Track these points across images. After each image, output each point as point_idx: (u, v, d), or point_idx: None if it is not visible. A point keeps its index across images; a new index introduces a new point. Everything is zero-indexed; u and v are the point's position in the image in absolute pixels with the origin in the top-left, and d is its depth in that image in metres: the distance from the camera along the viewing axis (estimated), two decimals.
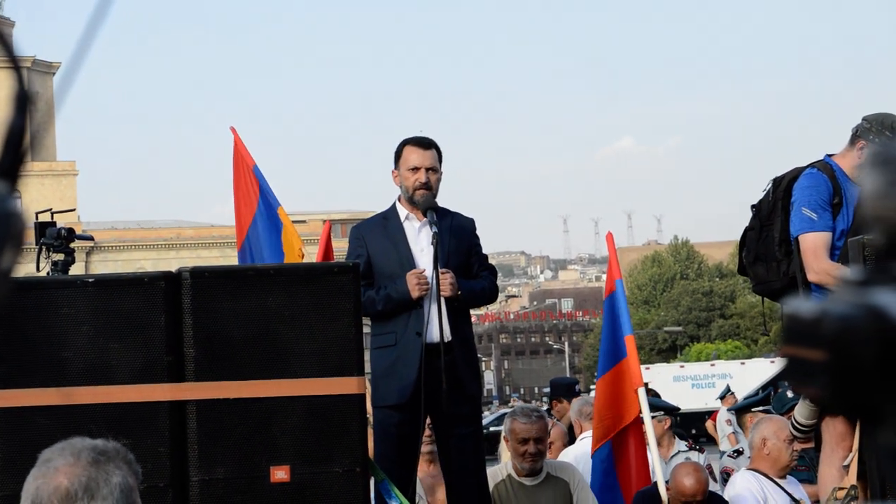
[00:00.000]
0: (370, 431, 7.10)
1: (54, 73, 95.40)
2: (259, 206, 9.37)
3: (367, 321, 6.90)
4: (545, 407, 15.22)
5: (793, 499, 8.06)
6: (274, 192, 9.39)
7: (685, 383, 50.74)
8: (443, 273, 6.97)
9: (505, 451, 8.99)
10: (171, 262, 74.10)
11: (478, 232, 7.47)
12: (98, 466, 3.06)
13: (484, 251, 7.56)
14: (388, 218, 7.29)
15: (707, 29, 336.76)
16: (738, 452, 12.25)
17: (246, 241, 9.44)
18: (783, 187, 7.00)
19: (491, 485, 7.63)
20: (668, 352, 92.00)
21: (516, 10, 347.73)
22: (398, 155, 7.30)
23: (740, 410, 13.72)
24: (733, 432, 20.20)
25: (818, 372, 1.36)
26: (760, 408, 12.56)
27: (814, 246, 6.74)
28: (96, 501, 3.03)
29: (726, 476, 11.23)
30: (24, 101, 1.33)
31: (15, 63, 1.34)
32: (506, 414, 9.13)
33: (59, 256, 8.02)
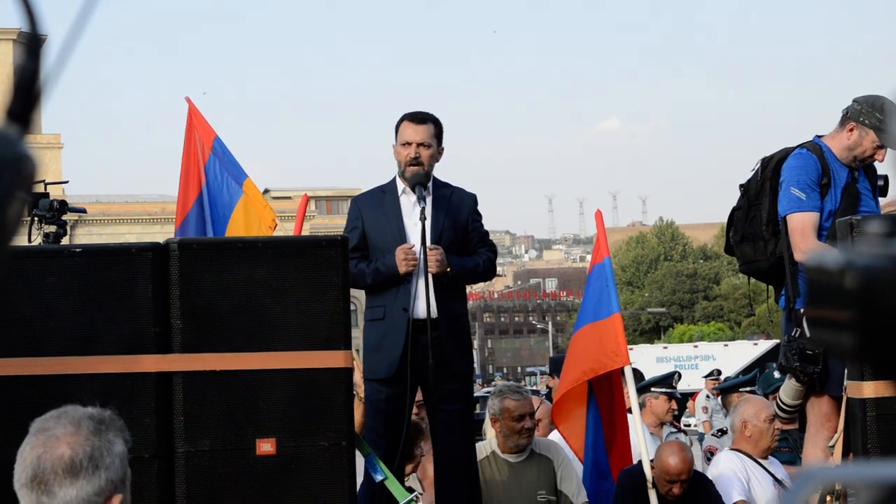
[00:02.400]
0: (362, 405, 7.13)
1: (41, 46, 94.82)
2: (208, 178, 9.22)
3: (358, 294, 6.88)
4: (528, 387, 15.24)
5: (775, 479, 8.09)
6: (240, 165, 9.27)
7: (668, 364, 50.69)
8: (431, 249, 6.96)
9: (489, 429, 9.00)
10: (155, 236, 73.87)
11: (479, 209, 7.43)
12: (100, 435, 3.05)
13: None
14: (386, 192, 7.28)
15: (693, 8, 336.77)
16: (722, 432, 12.29)
17: (188, 217, 9.24)
18: (772, 167, 7.01)
19: None
20: (652, 333, 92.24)
21: None
22: (397, 129, 7.29)
23: (726, 391, 13.74)
24: (708, 419, 20.25)
25: (846, 328, 1.34)
26: (747, 388, 12.57)
27: (801, 226, 6.76)
28: (100, 471, 3.01)
29: (709, 455, 11.28)
30: (35, 44, 1.32)
31: (27, 6, 1.32)
32: (489, 393, 9.12)
33: (51, 228, 8.00)
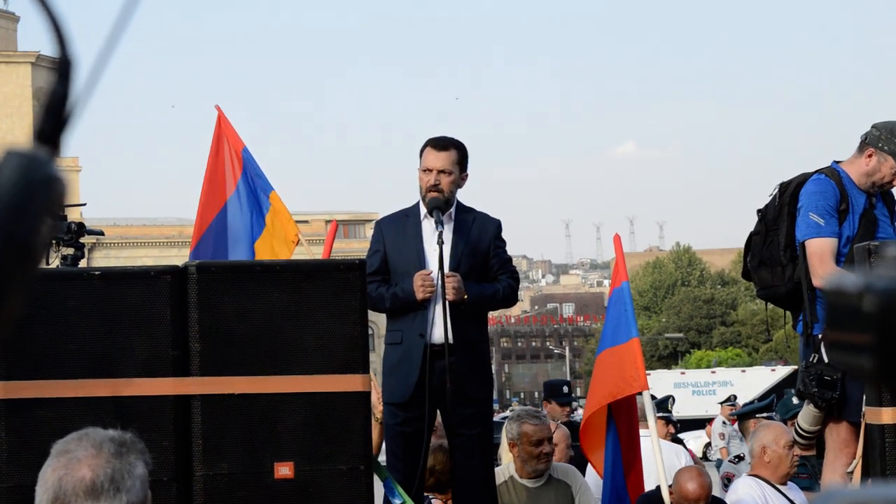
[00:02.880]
0: (380, 426, 7.14)
1: None
2: (238, 189, 9.19)
3: (377, 317, 6.90)
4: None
5: None
6: (267, 178, 9.25)
7: (686, 390, 50.75)
8: (448, 276, 6.96)
9: (506, 454, 8.99)
10: (173, 259, 74.06)
11: (502, 235, 7.43)
12: (121, 458, 3.05)
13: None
14: (409, 215, 7.30)
15: (712, 34, 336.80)
16: (739, 458, 12.25)
17: (211, 227, 9.18)
18: (790, 192, 7.01)
19: None
20: (669, 358, 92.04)
21: (521, 14, 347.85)
22: (420, 154, 7.31)
23: (743, 416, 13.71)
24: (725, 446, 20.19)
25: (865, 351, 1.35)
26: (764, 414, 12.55)
27: (820, 251, 6.75)
28: (121, 493, 3.02)
29: (727, 481, 11.25)
30: (66, 67, 1.33)
31: (57, 28, 1.34)
32: (506, 418, 9.11)
33: (69, 251, 8.03)
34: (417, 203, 7.32)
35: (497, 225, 7.38)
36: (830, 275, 6.64)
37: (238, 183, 9.23)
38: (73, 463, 3.03)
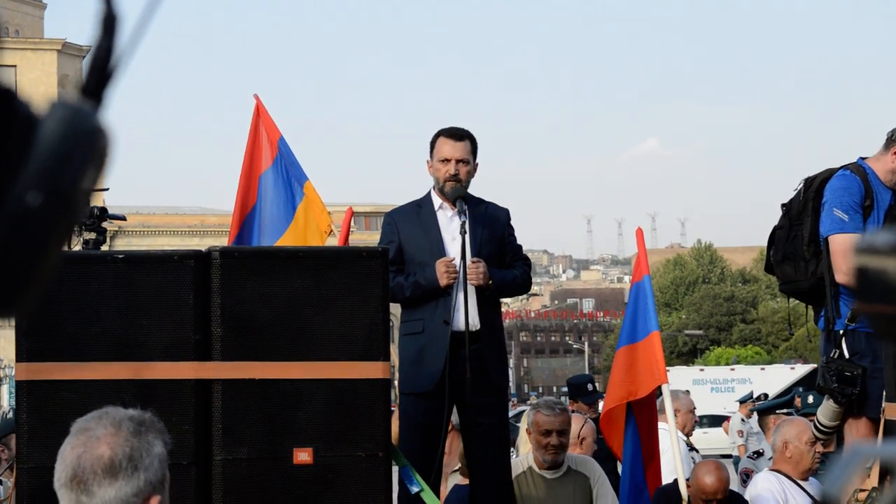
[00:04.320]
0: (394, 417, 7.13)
1: (84, 57, 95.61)
2: (267, 176, 9.23)
3: (394, 308, 6.91)
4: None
5: (814, 500, 8.04)
6: (302, 167, 9.28)
7: (704, 387, 50.63)
8: (474, 262, 6.97)
9: (524, 444, 9.00)
10: (194, 248, 74.17)
11: (512, 223, 7.45)
12: (140, 436, 3.06)
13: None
14: (422, 206, 7.29)
15: (735, 31, 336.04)
16: (758, 454, 12.24)
17: (249, 217, 9.24)
18: (815, 187, 6.99)
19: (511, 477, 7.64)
20: (688, 355, 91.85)
21: (542, 12, 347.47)
22: (432, 145, 7.30)
23: (763, 412, 13.69)
24: (744, 443, 20.14)
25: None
26: (784, 410, 12.52)
27: (843, 247, 6.73)
28: (139, 472, 3.02)
29: (745, 477, 11.23)
30: (111, 23, 1.34)
31: None
32: (523, 411, 9.13)
33: (91, 235, 8.04)
34: (429, 194, 7.32)
35: (507, 213, 7.43)
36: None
37: (268, 171, 9.27)
38: (91, 441, 3.04)
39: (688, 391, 10.48)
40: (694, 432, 10.14)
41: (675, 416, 9.38)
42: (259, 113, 9.54)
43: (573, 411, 9.72)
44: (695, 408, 9.84)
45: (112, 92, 1.34)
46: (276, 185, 9.24)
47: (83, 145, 1.31)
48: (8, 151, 1.29)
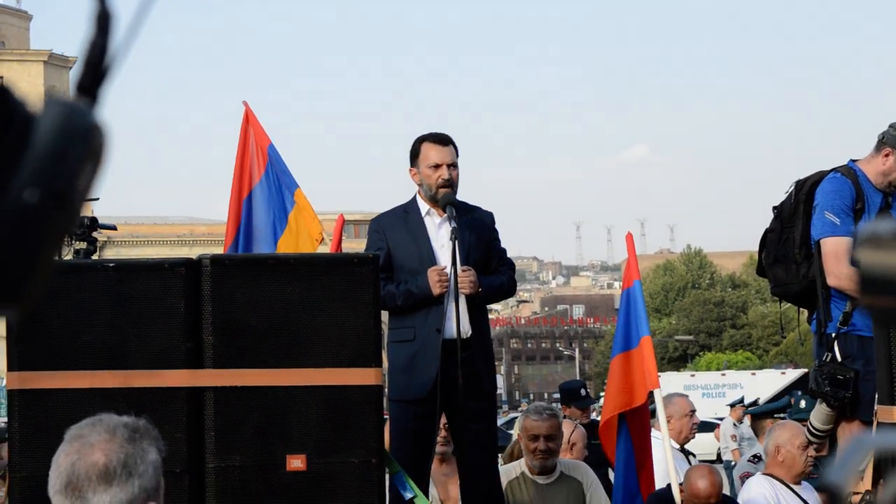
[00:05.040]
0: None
1: (70, 68, 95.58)
2: (261, 184, 9.22)
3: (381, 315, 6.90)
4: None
5: None
6: (292, 175, 9.26)
7: (696, 392, 50.59)
8: (465, 270, 6.96)
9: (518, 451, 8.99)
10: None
11: (496, 226, 7.45)
12: (134, 443, 3.05)
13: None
14: (409, 212, 7.26)
15: (723, 37, 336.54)
16: (758, 458, 12.22)
17: (243, 226, 9.23)
18: (805, 190, 6.99)
19: (504, 482, 7.64)
20: (679, 361, 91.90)
21: (532, 17, 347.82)
22: (416, 152, 7.27)
23: (758, 416, 13.70)
24: (737, 447, 20.15)
25: None
26: (781, 414, 12.53)
27: (835, 250, 6.73)
28: (133, 478, 3.02)
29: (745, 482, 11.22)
30: (105, 20, 1.33)
31: None
32: (514, 418, 9.13)
33: (82, 245, 8.02)
34: (414, 200, 7.30)
35: (492, 217, 7.43)
36: (845, 275, 6.63)
37: (261, 179, 9.24)
38: (86, 448, 3.03)
39: (685, 395, 10.41)
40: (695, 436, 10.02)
41: (669, 421, 9.38)
42: (248, 120, 9.51)
43: (565, 417, 9.71)
44: (692, 410, 9.73)
45: (107, 90, 1.34)
46: (269, 193, 9.22)
47: (79, 143, 1.31)
48: (5, 149, 1.29)
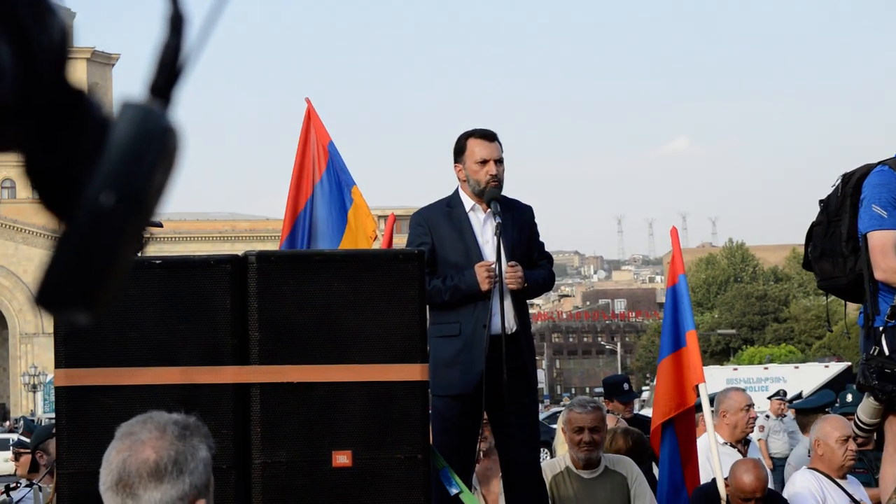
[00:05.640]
0: None
1: (114, 65, 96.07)
2: (322, 181, 9.23)
3: None
4: None
5: (853, 499, 8.00)
6: (350, 172, 9.27)
7: (738, 386, 50.42)
8: (512, 266, 6.98)
9: (560, 445, 8.99)
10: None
11: (535, 220, 7.45)
12: (185, 440, 3.06)
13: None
14: (453, 206, 7.25)
15: (767, 27, 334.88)
16: None
17: (299, 218, 9.26)
18: (852, 184, 6.94)
19: (548, 477, 7.64)
20: (721, 354, 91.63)
21: (573, 11, 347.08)
22: (461, 149, 7.28)
23: (805, 411, 13.64)
24: (763, 438, 20.01)
25: None
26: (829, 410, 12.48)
27: (882, 244, 6.68)
28: (184, 475, 3.03)
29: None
30: (178, 22, 1.34)
31: None
32: (557, 413, 9.15)
33: None
34: (457, 194, 7.30)
35: (531, 211, 7.44)
36: (893, 268, 6.57)
37: (323, 176, 9.26)
38: (137, 445, 3.04)
39: (743, 389, 10.34)
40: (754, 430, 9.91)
41: (725, 416, 9.34)
42: (310, 117, 9.52)
43: (608, 411, 9.69)
44: (749, 405, 9.62)
45: (180, 91, 1.35)
46: (331, 191, 9.24)
47: (154, 145, 1.31)
48: (82, 152, 1.30)
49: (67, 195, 1.31)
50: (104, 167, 1.30)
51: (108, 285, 1.33)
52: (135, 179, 1.30)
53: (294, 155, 9.42)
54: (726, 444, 9.30)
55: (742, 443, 9.39)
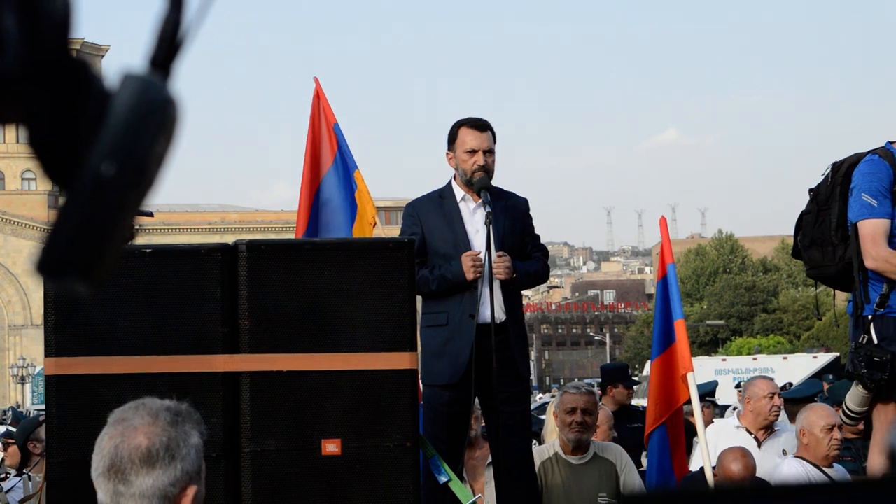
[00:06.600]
0: None
1: (103, 56, 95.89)
2: (336, 162, 9.11)
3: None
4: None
5: None
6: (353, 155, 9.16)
7: (727, 377, 50.46)
8: (500, 256, 6.97)
9: (549, 434, 9.01)
10: None
11: (531, 212, 7.44)
12: (176, 427, 3.07)
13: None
14: (444, 197, 7.27)
15: (753, 18, 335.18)
16: None
17: (315, 203, 9.10)
18: (842, 172, 6.94)
19: (537, 462, 7.66)
20: (710, 345, 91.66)
21: (562, 1, 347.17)
22: (453, 137, 7.28)
23: (792, 401, 13.67)
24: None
25: None
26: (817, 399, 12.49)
27: (872, 232, 6.69)
28: (176, 461, 3.04)
29: None
30: None
31: None
32: (545, 403, 9.17)
33: None
34: (450, 185, 7.30)
35: (526, 203, 7.44)
36: (883, 257, 6.59)
37: (335, 157, 9.14)
38: (129, 431, 3.05)
39: (769, 377, 10.26)
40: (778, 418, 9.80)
41: (749, 403, 9.31)
42: (319, 97, 9.36)
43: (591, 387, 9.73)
44: (773, 392, 9.51)
45: (179, 64, 1.36)
46: (342, 176, 9.12)
47: (155, 116, 1.33)
48: (84, 122, 1.31)
49: (69, 165, 1.33)
50: (105, 137, 1.31)
51: (107, 255, 1.34)
52: (136, 149, 1.32)
53: (295, 148, 9.35)
54: (740, 427, 9.28)
55: (766, 429, 9.31)
